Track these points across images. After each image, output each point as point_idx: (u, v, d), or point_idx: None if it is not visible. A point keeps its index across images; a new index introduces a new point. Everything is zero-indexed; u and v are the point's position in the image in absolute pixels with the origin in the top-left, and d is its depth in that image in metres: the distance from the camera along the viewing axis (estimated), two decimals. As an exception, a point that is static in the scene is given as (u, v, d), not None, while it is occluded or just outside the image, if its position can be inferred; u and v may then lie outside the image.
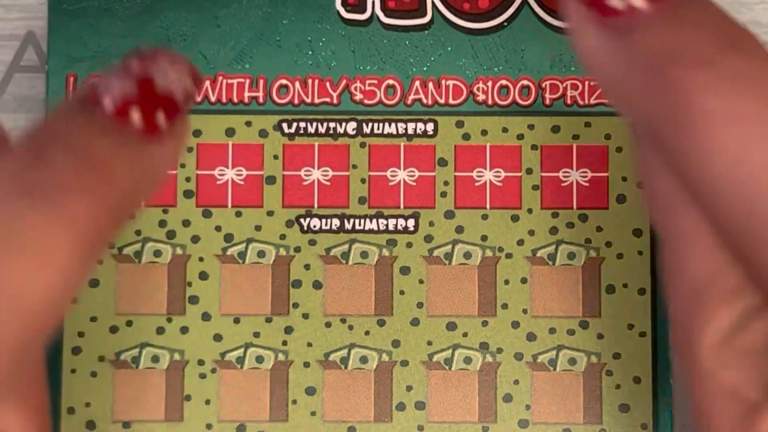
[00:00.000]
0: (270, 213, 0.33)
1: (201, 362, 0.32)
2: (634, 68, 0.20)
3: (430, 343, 0.32)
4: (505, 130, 0.33)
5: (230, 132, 0.33)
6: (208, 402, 0.32)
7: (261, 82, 0.33)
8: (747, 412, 0.20)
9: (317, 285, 0.32)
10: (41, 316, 0.20)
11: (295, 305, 0.32)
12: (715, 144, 0.19)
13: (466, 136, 0.33)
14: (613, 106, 0.23)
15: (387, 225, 0.33)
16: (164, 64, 0.22)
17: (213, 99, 0.33)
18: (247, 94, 0.33)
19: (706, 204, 0.20)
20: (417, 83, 0.33)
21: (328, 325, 0.32)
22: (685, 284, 0.21)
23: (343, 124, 0.33)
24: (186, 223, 0.32)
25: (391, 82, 0.33)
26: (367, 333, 0.32)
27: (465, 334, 0.32)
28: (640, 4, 0.20)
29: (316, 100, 0.33)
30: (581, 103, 0.33)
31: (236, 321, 0.32)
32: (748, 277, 0.20)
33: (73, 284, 0.20)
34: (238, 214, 0.33)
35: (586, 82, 0.33)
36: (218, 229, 0.32)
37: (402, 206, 0.33)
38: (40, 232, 0.19)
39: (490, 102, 0.33)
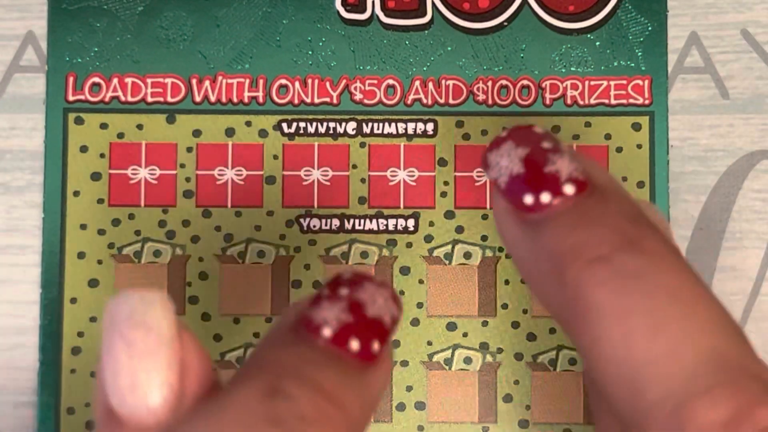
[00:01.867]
0: (270, 213, 0.33)
1: (201, 362, 0.32)
2: (541, 261, 0.22)
3: (430, 343, 0.32)
4: (505, 130, 0.33)
5: (230, 132, 0.33)
6: (207, 402, 0.32)
7: (261, 82, 0.33)
8: None
9: (317, 285, 0.32)
10: None
11: (295, 305, 0.32)
12: (604, 336, 0.21)
13: (466, 136, 0.33)
14: (526, 283, 0.26)
15: (387, 225, 0.33)
16: (371, 289, 0.22)
17: (213, 99, 0.33)
18: (247, 94, 0.33)
19: (602, 389, 0.21)
20: (417, 83, 0.33)
21: (328, 325, 0.32)
22: None
23: (343, 124, 0.33)
24: (186, 223, 0.32)
25: (391, 82, 0.33)
26: (367, 333, 0.32)
27: (465, 334, 0.32)
28: (545, 200, 0.22)
29: (316, 100, 0.33)
30: (581, 103, 0.33)
31: (236, 321, 0.32)
32: None
33: None
34: (238, 214, 0.32)
35: (586, 82, 0.33)
36: (218, 229, 0.32)
37: (402, 206, 0.33)
38: None
39: (490, 102, 0.33)
